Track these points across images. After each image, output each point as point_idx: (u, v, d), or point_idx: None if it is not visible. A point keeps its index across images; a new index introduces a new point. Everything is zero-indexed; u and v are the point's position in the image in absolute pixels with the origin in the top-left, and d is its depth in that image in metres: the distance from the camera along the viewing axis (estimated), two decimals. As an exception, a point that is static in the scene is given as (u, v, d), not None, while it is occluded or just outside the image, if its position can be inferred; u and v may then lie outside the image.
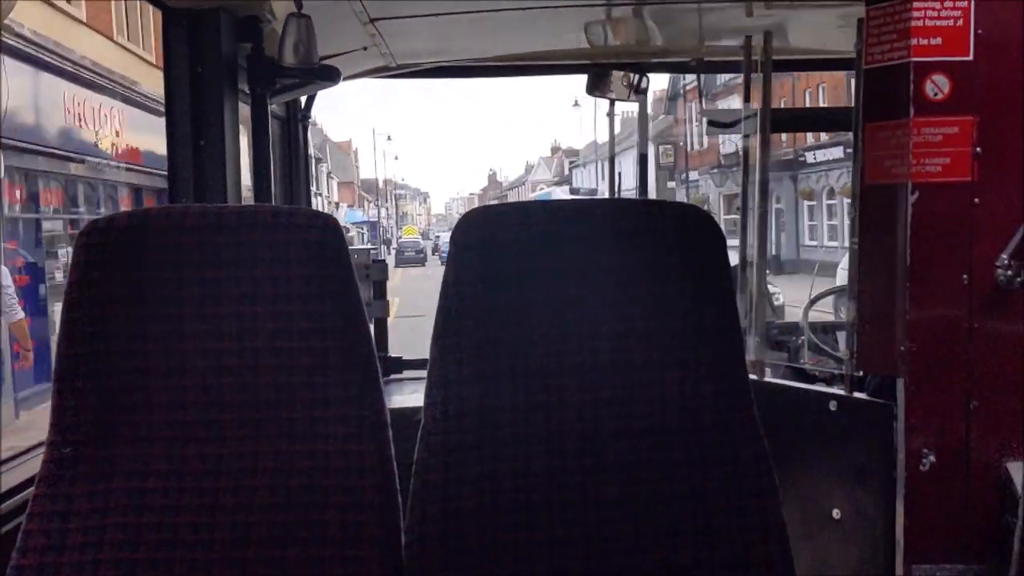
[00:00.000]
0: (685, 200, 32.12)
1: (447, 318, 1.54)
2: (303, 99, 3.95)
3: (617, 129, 5.07)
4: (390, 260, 47.99)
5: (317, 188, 45.39)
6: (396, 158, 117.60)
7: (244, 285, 1.51)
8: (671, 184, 38.63)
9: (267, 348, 1.51)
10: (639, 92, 4.21)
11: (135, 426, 1.51)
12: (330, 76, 3.25)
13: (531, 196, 59.65)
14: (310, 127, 4.07)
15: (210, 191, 2.75)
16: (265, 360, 1.52)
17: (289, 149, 3.87)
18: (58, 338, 1.52)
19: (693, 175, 38.24)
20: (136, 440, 1.51)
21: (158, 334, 1.51)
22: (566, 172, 66.25)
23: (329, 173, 58.49)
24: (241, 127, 2.94)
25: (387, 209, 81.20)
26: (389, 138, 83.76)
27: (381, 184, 74.32)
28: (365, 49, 3.61)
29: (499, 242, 1.55)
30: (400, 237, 66.82)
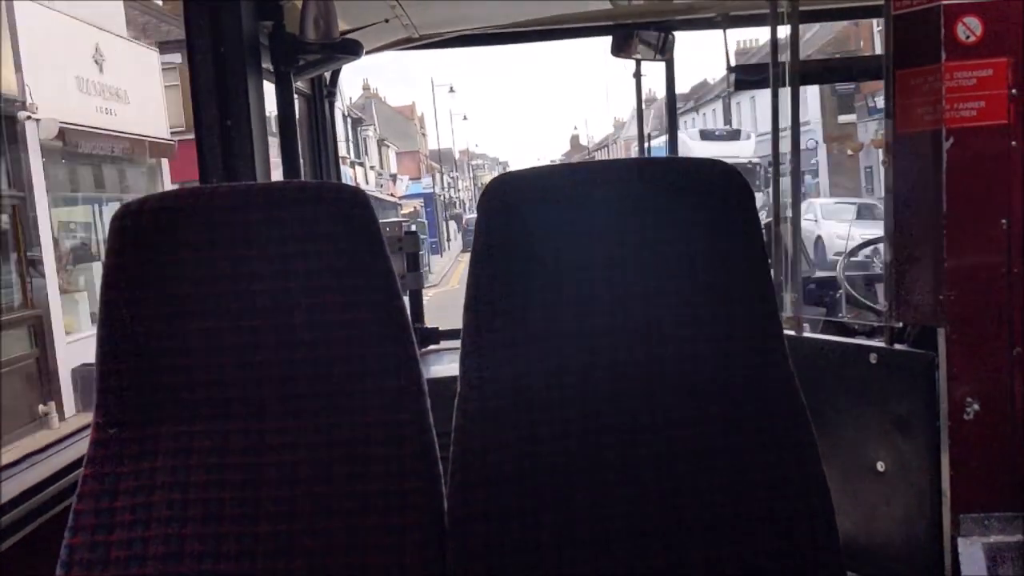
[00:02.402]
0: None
1: (478, 286, 1.54)
2: (327, 75, 3.96)
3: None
4: (457, 244, 42.56)
5: (356, 156, 37.30)
6: (464, 118, 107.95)
7: (276, 262, 1.52)
8: (846, 118, 27.28)
9: (303, 323, 1.53)
10: (664, 51, 4.16)
11: (177, 404, 1.54)
12: (352, 50, 3.25)
13: (629, 154, 49.19)
14: (359, 84, 4.05)
15: (239, 170, 2.77)
16: (301, 335, 1.53)
17: (315, 125, 3.89)
18: (98, 321, 1.54)
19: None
20: (178, 418, 1.53)
21: (195, 313, 1.52)
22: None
23: (382, 140, 48.20)
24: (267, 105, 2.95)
25: (460, 180, 72.25)
26: (451, 90, 75.93)
27: (456, 154, 66.71)
28: (387, 21, 3.59)
29: (525, 207, 1.55)
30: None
